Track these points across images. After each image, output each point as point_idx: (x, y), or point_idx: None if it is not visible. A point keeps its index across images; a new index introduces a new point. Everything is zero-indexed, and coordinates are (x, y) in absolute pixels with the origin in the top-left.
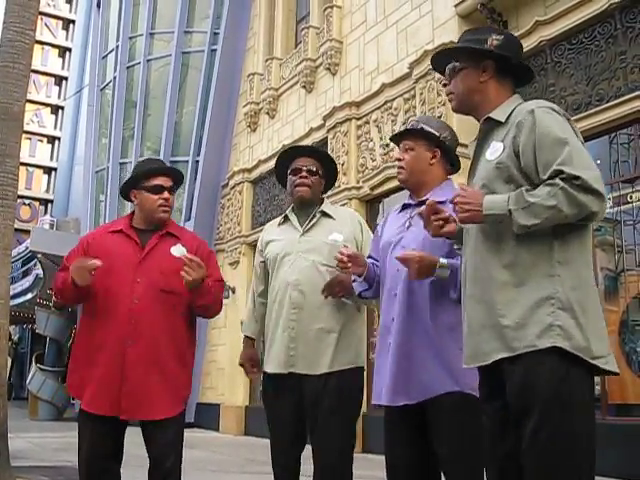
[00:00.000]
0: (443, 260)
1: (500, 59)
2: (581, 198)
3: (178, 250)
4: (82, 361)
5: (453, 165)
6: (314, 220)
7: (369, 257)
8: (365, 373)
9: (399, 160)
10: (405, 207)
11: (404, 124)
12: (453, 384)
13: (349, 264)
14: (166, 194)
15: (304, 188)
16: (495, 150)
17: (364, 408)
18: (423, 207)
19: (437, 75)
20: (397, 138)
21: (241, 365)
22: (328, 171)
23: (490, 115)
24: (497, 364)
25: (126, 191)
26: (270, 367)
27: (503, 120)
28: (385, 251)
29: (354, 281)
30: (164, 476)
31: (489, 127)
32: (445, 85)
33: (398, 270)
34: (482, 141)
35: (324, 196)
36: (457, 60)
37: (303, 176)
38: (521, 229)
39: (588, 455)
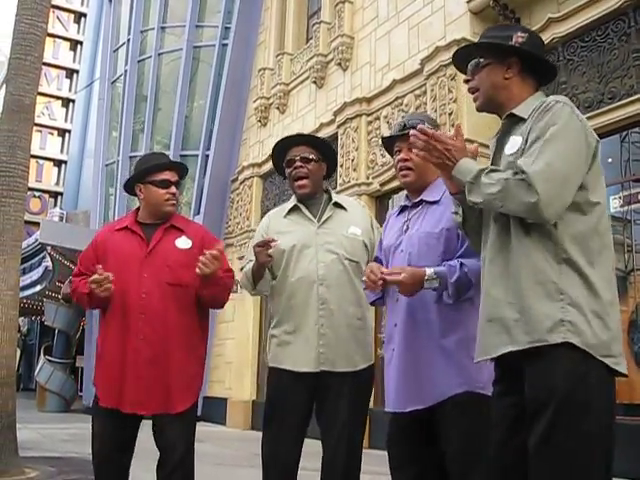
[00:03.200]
0: (429, 271)
1: (525, 56)
2: (517, 194)
3: (184, 243)
4: (100, 357)
5: None
6: (329, 212)
7: (376, 259)
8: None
9: (405, 161)
10: (403, 209)
11: (403, 124)
12: (461, 384)
13: (380, 282)
14: (173, 188)
15: (303, 182)
16: (514, 144)
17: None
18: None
19: (448, 72)
20: (398, 138)
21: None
22: (326, 155)
23: (513, 111)
24: (515, 360)
25: (131, 185)
26: (294, 365)
27: (526, 116)
28: (387, 255)
29: (365, 289)
30: (172, 469)
31: (511, 123)
32: (467, 81)
33: None
34: (502, 137)
35: (327, 185)
36: (482, 56)
37: (298, 166)
38: (470, 202)
39: (602, 459)
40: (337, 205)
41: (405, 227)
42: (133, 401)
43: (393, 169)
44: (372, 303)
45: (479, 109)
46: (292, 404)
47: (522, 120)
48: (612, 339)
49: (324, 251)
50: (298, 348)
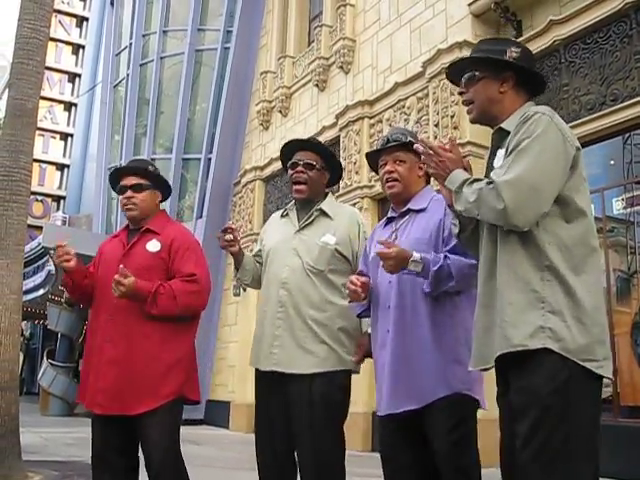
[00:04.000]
0: (416, 255)
1: (520, 71)
2: (488, 201)
3: (153, 246)
4: (84, 361)
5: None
6: (311, 218)
7: (360, 272)
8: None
9: (391, 172)
10: (389, 220)
11: (387, 138)
12: (449, 386)
13: (362, 295)
14: (128, 193)
15: (300, 187)
16: (499, 157)
17: (372, 407)
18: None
19: None
20: (383, 152)
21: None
22: (330, 164)
23: (501, 125)
24: (505, 364)
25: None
26: (255, 363)
27: (512, 130)
28: (375, 265)
29: (351, 301)
30: (156, 472)
31: (500, 137)
32: (462, 93)
33: (390, 282)
34: (493, 151)
35: (329, 190)
36: (477, 70)
37: (299, 170)
38: (456, 210)
39: (586, 461)
40: (323, 212)
41: (394, 237)
42: (93, 401)
43: None
44: (359, 315)
45: (473, 121)
46: (264, 404)
47: (505, 132)
48: (594, 343)
49: (292, 256)
50: (259, 348)
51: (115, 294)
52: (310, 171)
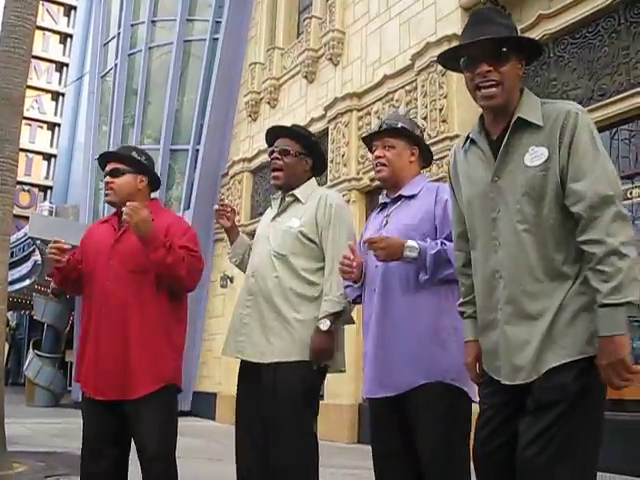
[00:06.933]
0: (411, 241)
1: (534, 51)
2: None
3: None
4: (79, 345)
5: (426, 160)
6: (284, 205)
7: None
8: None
9: (379, 157)
10: (383, 206)
11: (381, 123)
12: (431, 374)
13: (354, 271)
14: (107, 178)
15: (276, 173)
16: (537, 156)
17: (359, 399)
18: None
19: (439, 68)
20: (374, 136)
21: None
22: (310, 150)
23: (524, 117)
24: None
25: None
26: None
27: (541, 123)
28: (365, 250)
29: (347, 287)
30: (149, 461)
31: (519, 128)
32: (488, 72)
33: (377, 266)
34: (511, 142)
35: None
36: (506, 48)
37: (275, 157)
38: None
39: (597, 451)
40: (295, 197)
41: (384, 222)
42: (93, 386)
43: None
44: (353, 301)
45: (496, 107)
46: (239, 393)
47: (530, 125)
48: None
49: (265, 243)
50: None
51: (131, 219)
52: (285, 157)
